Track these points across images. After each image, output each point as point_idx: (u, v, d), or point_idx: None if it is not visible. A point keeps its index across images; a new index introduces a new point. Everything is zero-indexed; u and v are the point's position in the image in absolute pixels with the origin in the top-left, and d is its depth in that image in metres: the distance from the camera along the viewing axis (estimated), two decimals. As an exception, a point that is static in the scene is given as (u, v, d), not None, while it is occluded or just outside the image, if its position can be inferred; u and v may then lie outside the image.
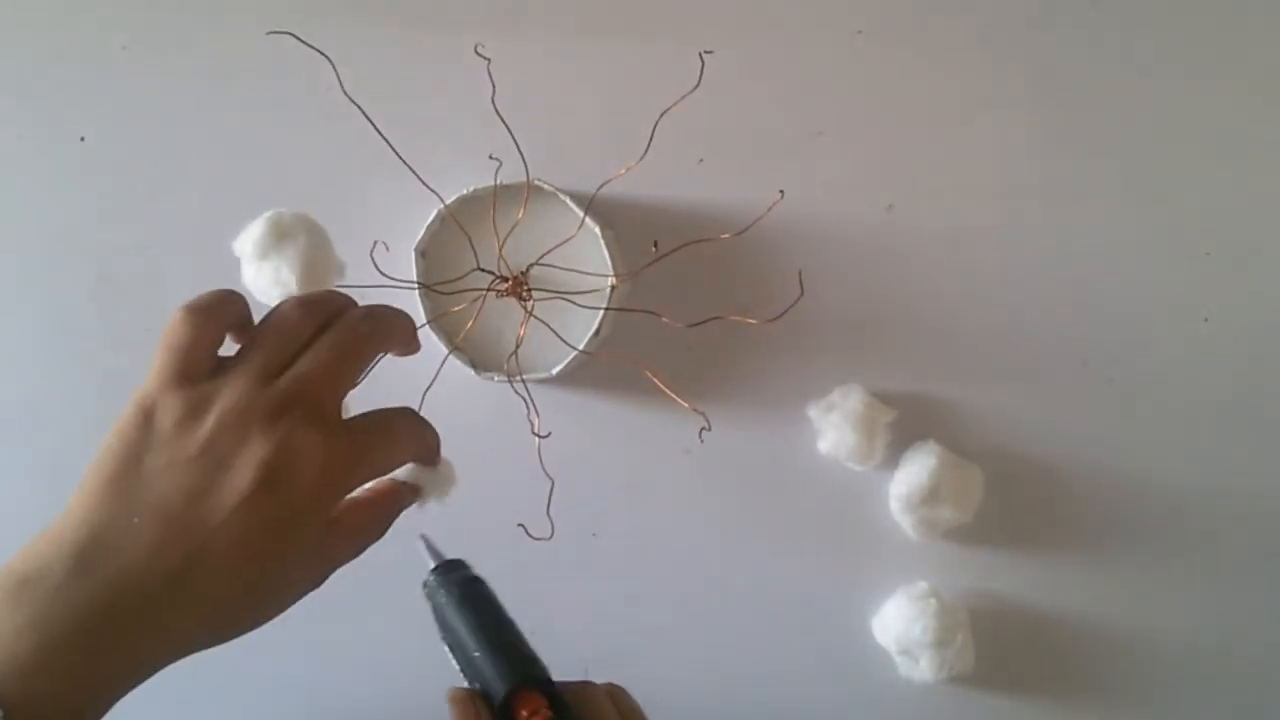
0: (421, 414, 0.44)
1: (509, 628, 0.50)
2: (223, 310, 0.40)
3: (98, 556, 0.35)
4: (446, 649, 0.49)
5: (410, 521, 0.47)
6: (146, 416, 0.37)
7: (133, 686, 0.36)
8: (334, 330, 0.40)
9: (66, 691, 0.34)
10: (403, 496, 0.45)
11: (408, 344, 0.44)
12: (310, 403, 0.38)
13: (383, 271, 0.56)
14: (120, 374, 0.71)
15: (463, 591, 0.51)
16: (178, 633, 0.36)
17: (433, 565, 0.52)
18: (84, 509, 0.36)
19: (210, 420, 0.37)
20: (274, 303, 0.50)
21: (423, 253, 0.64)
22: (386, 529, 0.43)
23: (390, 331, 0.43)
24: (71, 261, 0.72)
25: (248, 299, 0.41)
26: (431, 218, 0.63)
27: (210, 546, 0.36)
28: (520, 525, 0.53)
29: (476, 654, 0.48)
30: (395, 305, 0.44)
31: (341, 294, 0.43)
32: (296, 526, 0.38)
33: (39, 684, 0.33)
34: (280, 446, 0.37)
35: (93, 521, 0.36)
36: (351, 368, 0.41)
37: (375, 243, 0.56)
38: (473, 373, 0.64)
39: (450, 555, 0.54)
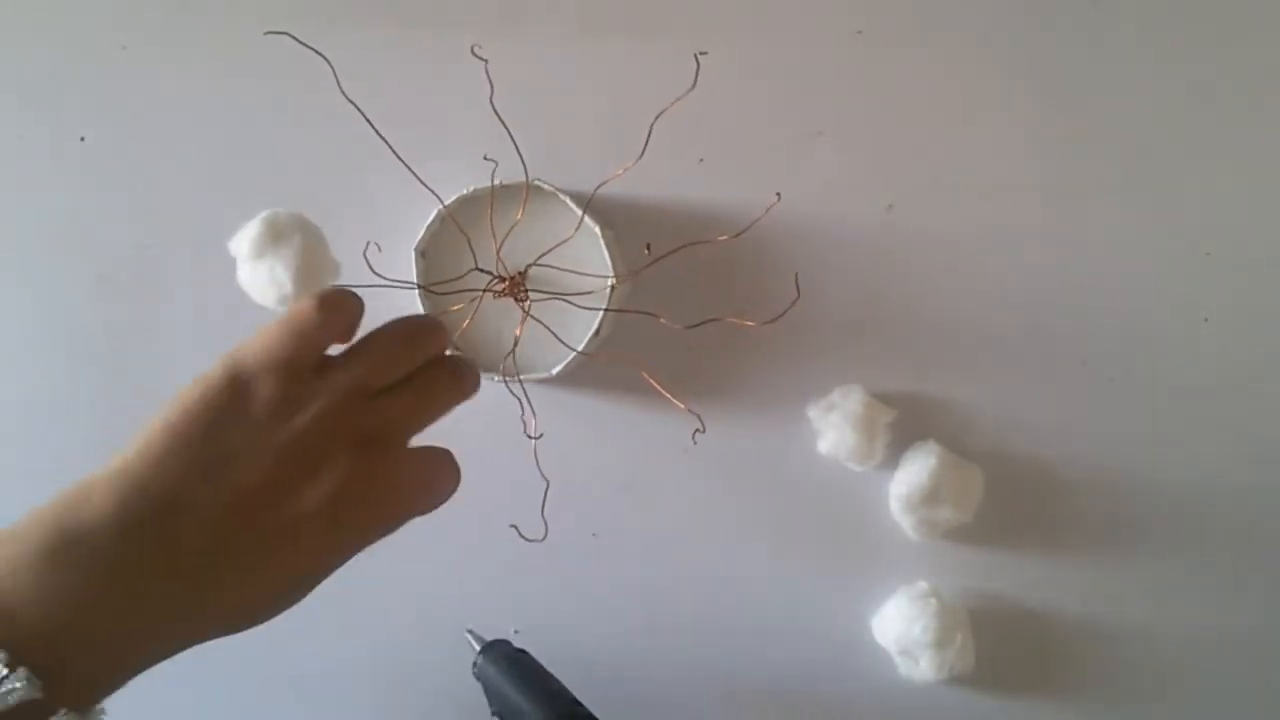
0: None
1: (553, 681, 0.55)
2: (351, 312, 0.39)
3: (156, 522, 0.34)
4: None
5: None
6: (239, 388, 0.36)
7: (155, 663, 0.35)
8: (433, 375, 0.40)
9: (94, 662, 0.33)
10: None
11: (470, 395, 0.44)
12: (396, 434, 0.39)
13: (377, 272, 0.56)
14: (120, 374, 0.71)
15: (509, 662, 0.58)
16: (214, 615, 0.35)
17: (478, 648, 0.57)
18: (149, 466, 0.34)
19: (308, 418, 0.36)
20: (269, 304, 0.50)
21: (423, 253, 0.64)
22: None
23: (470, 389, 0.43)
24: (71, 261, 0.72)
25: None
26: (431, 218, 0.63)
27: (277, 540, 0.35)
28: (513, 526, 0.53)
29: (525, 707, 0.52)
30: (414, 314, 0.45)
31: (442, 331, 0.42)
32: (354, 543, 0.38)
33: (68, 651, 0.32)
34: (366, 467, 0.37)
35: (157, 482, 0.34)
36: (434, 415, 0.41)
37: (368, 243, 0.56)
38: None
39: (490, 635, 0.59)
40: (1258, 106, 0.67)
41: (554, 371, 0.63)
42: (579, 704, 0.56)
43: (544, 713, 0.55)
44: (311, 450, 0.36)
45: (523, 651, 0.60)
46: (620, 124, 0.62)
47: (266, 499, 0.35)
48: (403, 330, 0.40)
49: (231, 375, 0.36)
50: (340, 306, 0.38)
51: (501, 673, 0.58)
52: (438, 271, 0.63)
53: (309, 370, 0.37)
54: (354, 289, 0.55)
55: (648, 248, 0.61)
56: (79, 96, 0.71)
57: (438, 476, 0.40)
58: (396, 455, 0.39)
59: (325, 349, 0.38)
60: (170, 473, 0.34)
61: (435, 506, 0.41)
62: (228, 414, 0.35)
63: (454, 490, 0.42)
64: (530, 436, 0.60)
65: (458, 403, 0.42)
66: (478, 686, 0.61)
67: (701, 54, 0.56)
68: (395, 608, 0.70)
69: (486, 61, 0.56)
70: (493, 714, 0.57)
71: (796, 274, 0.60)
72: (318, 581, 0.38)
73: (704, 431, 0.60)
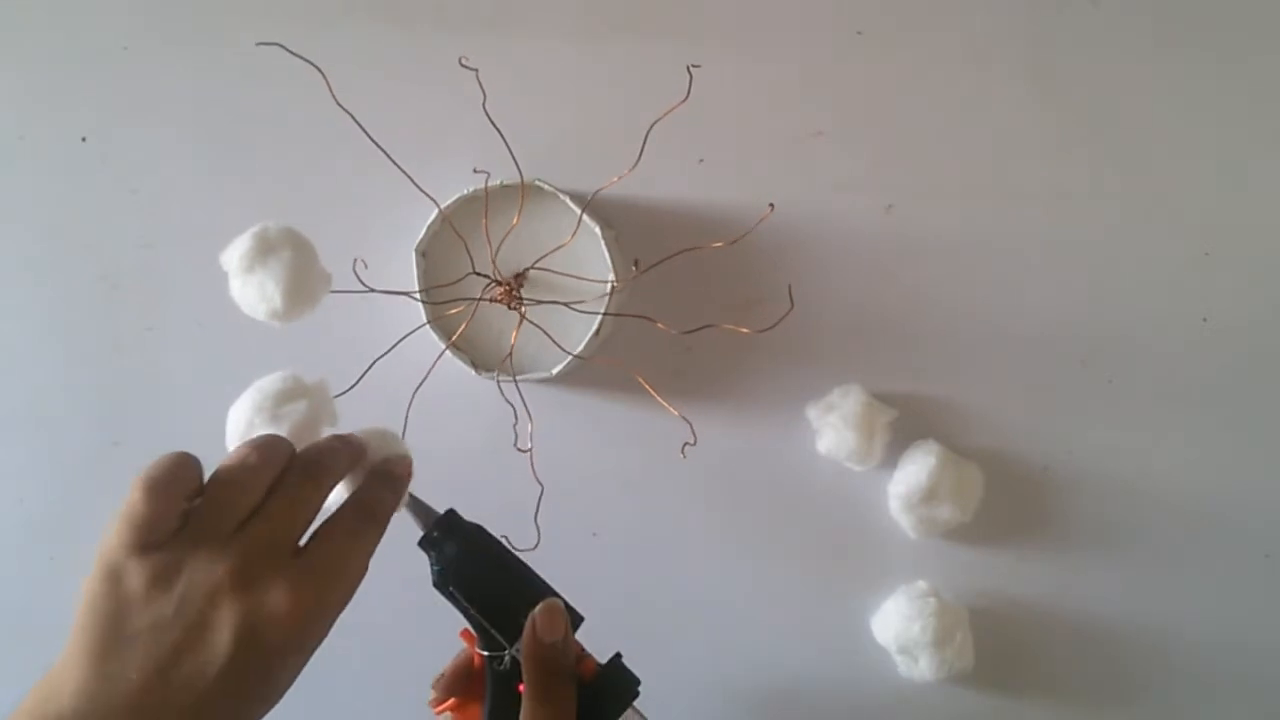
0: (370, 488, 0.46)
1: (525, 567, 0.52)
2: (181, 484, 0.40)
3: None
4: (455, 595, 0.49)
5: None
6: (115, 581, 0.39)
7: None
8: (287, 479, 0.42)
9: None
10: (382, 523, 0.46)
11: (358, 460, 0.46)
12: (276, 551, 0.40)
13: (365, 284, 0.55)
14: (120, 374, 0.72)
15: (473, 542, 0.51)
16: None
17: (430, 521, 0.51)
18: (75, 680, 0.38)
19: (178, 587, 0.39)
20: (259, 317, 0.50)
21: (423, 253, 0.64)
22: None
23: (337, 469, 0.45)
24: (72, 261, 0.72)
25: (198, 460, 0.41)
26: (432, 217, 0.63)
27: (206, 702, 0.38)
28: (504, 537, 0.53)
29: (511, 591, 0.49)
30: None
31: (281, 441, 0.44)
32: (284, 665, 0.40)
33: None
34: (252, 607, 0.39)
35: (87, 692, 0.38)
36: (305, 511, 0.42)
37: (355, 259, 0.55)
38: (473, 372, 0.64)
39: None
40: (1257, 106, 0.67)
41: (554, 371, 0.63)
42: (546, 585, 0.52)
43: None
44: (195, 609, 0.39)
45: (480, 527, 0.53)
46: (620, 127, 0.62)
47: (181, 665, 0.38)
48: (246, 454, 0.42)
49: (106, 572, 0.39)
50: (166, 485, 0.39)
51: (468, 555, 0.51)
52: (439, 271, 0.64)
53: (166, 540, 0.39)
54: (349, 293, 0.55)
55: (635, 263, 0.61)
56: (79, 96, 0.71)
57: (338, 570, 0.42)
58: (287, 566, 0.40)
59: (173, 518, 0.39)
60: (95, 676, 0.38)
61: (349, 589, 0.43)
62: (116, 608, 0.38)
63: (368, 559, 0.44)
64: (520, 449, 0.60)
65: (328, 487, 0.44)
66: None
67: (694, 66, 0.56)
68: (393, 607, 0.70)
69: (476, 71, 0.56)
70: (444, 586, 0.50)
71: (790, 285, 0.60)
72: (288, 681, 0.41)
73: (694, 444, 0.60)
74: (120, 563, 0.39)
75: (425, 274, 0.64)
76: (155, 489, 0.39)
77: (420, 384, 0.59)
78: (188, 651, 0.38)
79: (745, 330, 0.60)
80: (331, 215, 0.69)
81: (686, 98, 0.56)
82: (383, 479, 0.46)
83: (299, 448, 0.45)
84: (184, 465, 0.40)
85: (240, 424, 0.46)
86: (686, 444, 0.60)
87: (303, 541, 0.43)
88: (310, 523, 0.43)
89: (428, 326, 0.63)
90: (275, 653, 0.39)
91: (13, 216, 0.72)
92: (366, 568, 0.44)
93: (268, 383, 0.47)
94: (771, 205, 0.60)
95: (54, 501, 0.72)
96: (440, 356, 0.63)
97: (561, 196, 0.62)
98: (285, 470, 0.43)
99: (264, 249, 0.50)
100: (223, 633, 0.38)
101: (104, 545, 0.39)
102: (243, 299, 0.51)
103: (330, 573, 0.42)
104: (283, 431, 0.46)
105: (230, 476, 0.41)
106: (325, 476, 0.44)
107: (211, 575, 0.39)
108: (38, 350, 0.72)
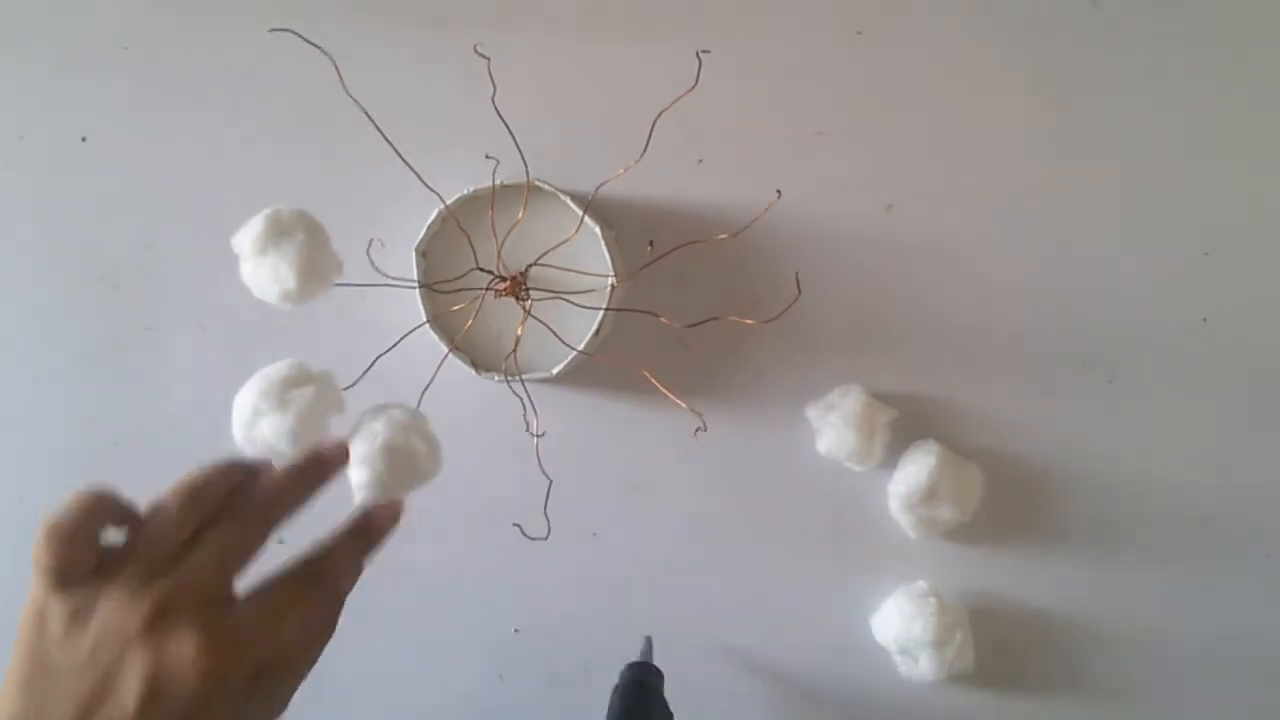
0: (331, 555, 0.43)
1: None
2: (85, 525, 0.38)
3: None
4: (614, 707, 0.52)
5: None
6: (39, 618, 0.38)
7: None
8: (222, 521, 0.40)
9: None
10: (339, 592, 0.43)
11: (319, 485, 0.43)
12: (193, 599, 0.38)
13: (379, 269, 0.56)
14: (120, 374, 0.72)
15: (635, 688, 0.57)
16: None
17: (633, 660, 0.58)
18: (7, 710, 0.37)
19: (92, 630, 0.37)
20: (271, 300, 0.50)
21: (423, 253, 0.64)
22: (320, 650, 0.42)
23: (284, 507, 0.42)
24: (72, 261, 0.72)
25: (115, 496, 0.39)
26: (432, 218, 0.63)
27: None
28: (516, 525, 0.53)
29: None
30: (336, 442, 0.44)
31: (235, 469, 0.42)
32: (203, 715, 0.37)
33: None
34: (160, 656, 0.37)
35: (21, 716, 0.37)
36: (234, 557, 0.40)
37: (371, 240, 0.55)
38: (473, 372, 0.64)
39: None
40: (1257, 106, 0.67)
41: (554, 371, 0.63)
42: None
43: None
44: (105, 658, 0.37)
45: (651, 690, 0.60)
46: (621, 123, 0.62)
47: (97, 711, 0.37)
48: (172, 498, 0.40)
49: (32, 606, 0.38)
50: (69, 531, 0.38)
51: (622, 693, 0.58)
52: (438, 271, 0.64)
53: (83, 579, 0.38)
54: (357, 286, 0.56)
55: (650, 244, 0.61)
56: (79, 96, 0.71)
57: (270, 618, 0.39)
58: (208, 617, 0.38)
59: (83, 564, 0.38)
60: (22, 705, 0.37)
61: (279, 654, 0.39)
62: (40, 644, 0.38)
63: (300, 638, 0.41)
64: (533, 435, 0.60)
65: (269, 529, 0.41)
66: (477, 687, 0.60)
67: (704, 52, 0.56)
68: (394, 608, 0.70)
69: (489, 59, 0.56)
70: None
71: (797, 272, 0.60)
72: None
73: (705, 430, 0.60)
74: (42, 599, 0.38)
75: (425, 275, 0.64)
76: (54, 534, 0.38)
77: (425, 388, 0.59)
78: (101, 700, 0.37)
79: (750, 321, 0.60)
80: (331, 216, 0.69)
81: (695, 84, 0.56)
82: (355, 538, 0.43)
83: (307, 434, 0.43)
84: (87, 504, 0.38)
85: (246, 410, 0.45)
86: (699, 430, 0.60)
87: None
88: (241, 568, 0.40)
89: (427, 326, 0.63)
90: (189, 707, 0.37)
91: (13, 216, 0.72)
92: (317, 640, 0.41)
93: (274, 369, 0.46)
94: (779, 192, 0.59)
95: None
96: (444, 359, 0.63)
97: (562, 197, 0.62)
98: (222, 510, 0.40)
99: (277, 231, 0.49)
100: (131, 682, 0.36)
101: (33, 582, 0.38)
102: (254, 281, 0.50)
103: (253, 631, 0.38)
104: (289, 417, 0.44)
105: (150, 520, 0.39)
106: (264, 521, 0.41)
107: (125, 621, 0.37)
108: (38, 350, 0.72)
